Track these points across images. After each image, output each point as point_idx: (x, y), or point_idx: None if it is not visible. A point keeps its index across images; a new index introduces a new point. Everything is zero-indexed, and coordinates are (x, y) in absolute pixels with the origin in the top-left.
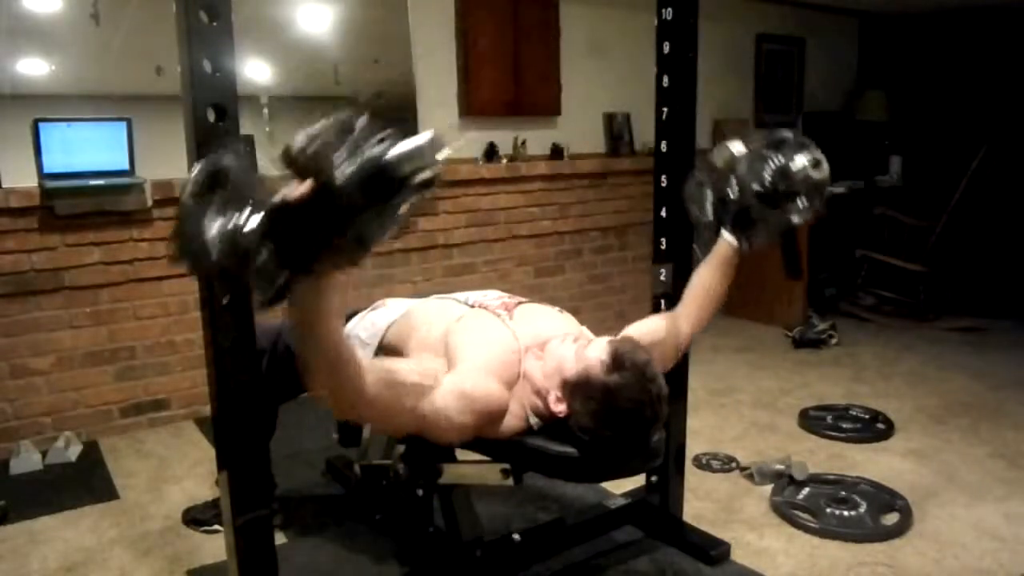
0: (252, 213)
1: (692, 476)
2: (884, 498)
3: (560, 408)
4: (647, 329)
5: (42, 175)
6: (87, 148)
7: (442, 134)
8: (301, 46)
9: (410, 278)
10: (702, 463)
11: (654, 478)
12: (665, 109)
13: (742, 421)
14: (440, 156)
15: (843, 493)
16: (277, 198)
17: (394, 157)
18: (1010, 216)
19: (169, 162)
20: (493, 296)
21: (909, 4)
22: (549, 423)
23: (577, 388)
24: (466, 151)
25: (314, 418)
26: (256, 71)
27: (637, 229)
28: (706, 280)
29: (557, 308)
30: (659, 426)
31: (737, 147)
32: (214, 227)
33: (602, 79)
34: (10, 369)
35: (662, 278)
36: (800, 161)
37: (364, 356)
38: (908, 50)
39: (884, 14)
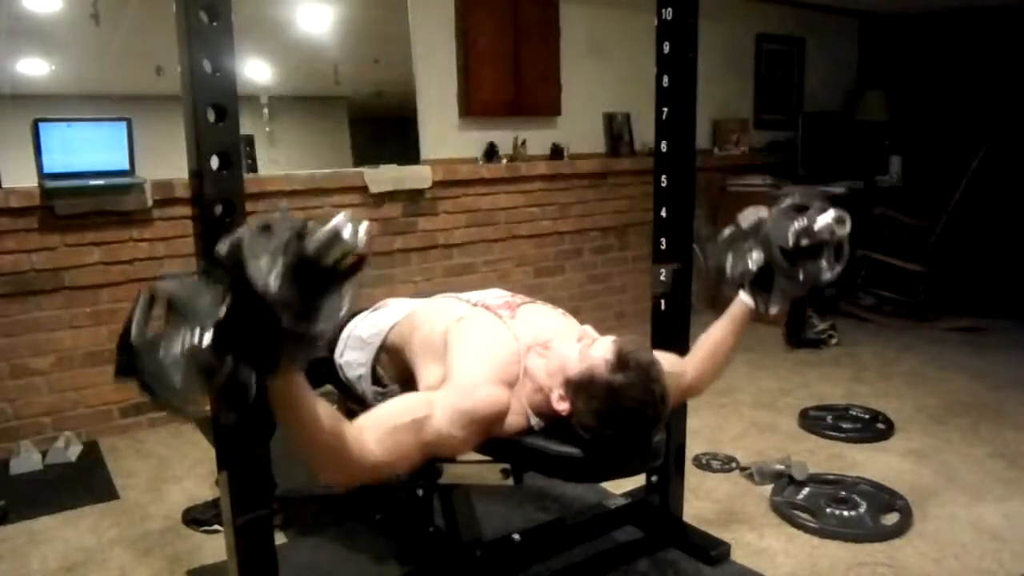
0: (203, 329)
1: (692, 476)
2: (884, 498)
3: (563, 407)
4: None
5: (42, 175)
6: (87, 148)
7: (357, 217)
8: (301, 46)
9: (410, 278)
10: (702, 463)
11: (654, 478)
12: (665, 109)
13: (742, 421)
14: (360, 235)
15: (843, 493)
16: (222, 310)
17: (313, 250)
18: (1010, 216)
19: (169, 162)
20: (496, 295)
21: (909, 4)
22: (550, 423)
23: (581, 387)
24: (466, 151)
25: None
26: (256, 71)
27: (637, 229)
28: (717, 337)
29: (560, 311)
30: (661, 426)
31: (763, 211)
32: (169, 357)
33: (602, 79)
34: (10, 369)
35: (662, 278)
36: (825, 218)
37: (364, 357)
38: (908, 50)
39: (884, 14)
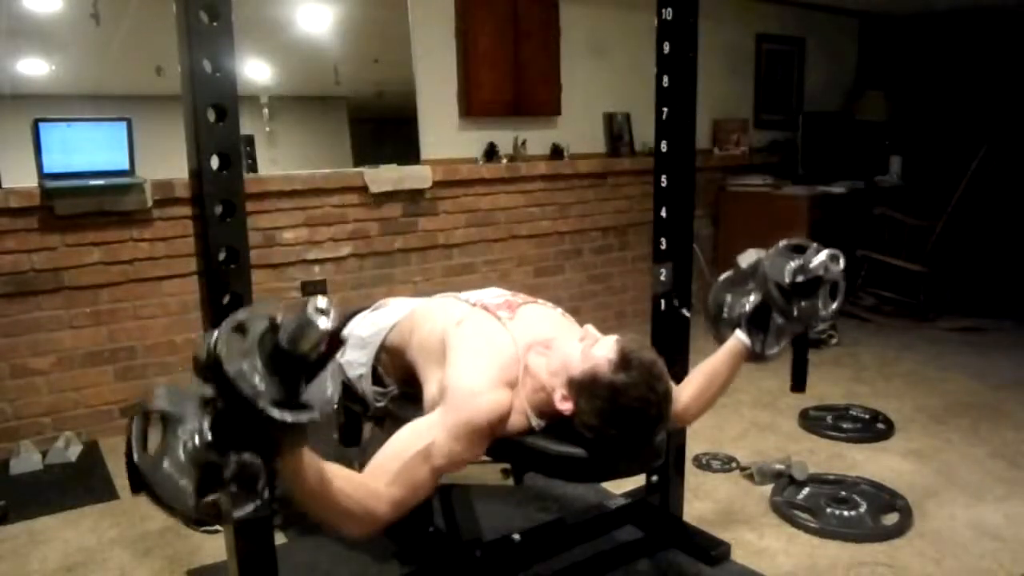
0: (200, 431)
1: (692, 476)
2: (884, 498)
3: (566, 407)
4: None
5: (42, 175)
6: (87, 148)
7: (323, 301)
8: (301, 46)
9: (410, 278)
10: (702, 463)
11: (654, 478)
12: (665, 109)
13: (742, 421)
14: (331, 320)
15: (843, 493)
16: (208, 417)
17: (287, 343)
18: (1010, 216)
19: (169, 162)
20: (495, 295)
21: (909, 4)
22: (551, 423)
23: (583, 386)
24: (466, 151)
25: None
26: (256, 71)
27: (637, 229)
28: (712, 371)
29: (559, 310)
30: (664, 426)
31: (761, 252)
32: (174, 465)
33: (602, 79)
34: (10, 369)
35: (662, 278)
36: (820, 256)
37: (364, 357)
38: (908, 50)
39: (884, 14)
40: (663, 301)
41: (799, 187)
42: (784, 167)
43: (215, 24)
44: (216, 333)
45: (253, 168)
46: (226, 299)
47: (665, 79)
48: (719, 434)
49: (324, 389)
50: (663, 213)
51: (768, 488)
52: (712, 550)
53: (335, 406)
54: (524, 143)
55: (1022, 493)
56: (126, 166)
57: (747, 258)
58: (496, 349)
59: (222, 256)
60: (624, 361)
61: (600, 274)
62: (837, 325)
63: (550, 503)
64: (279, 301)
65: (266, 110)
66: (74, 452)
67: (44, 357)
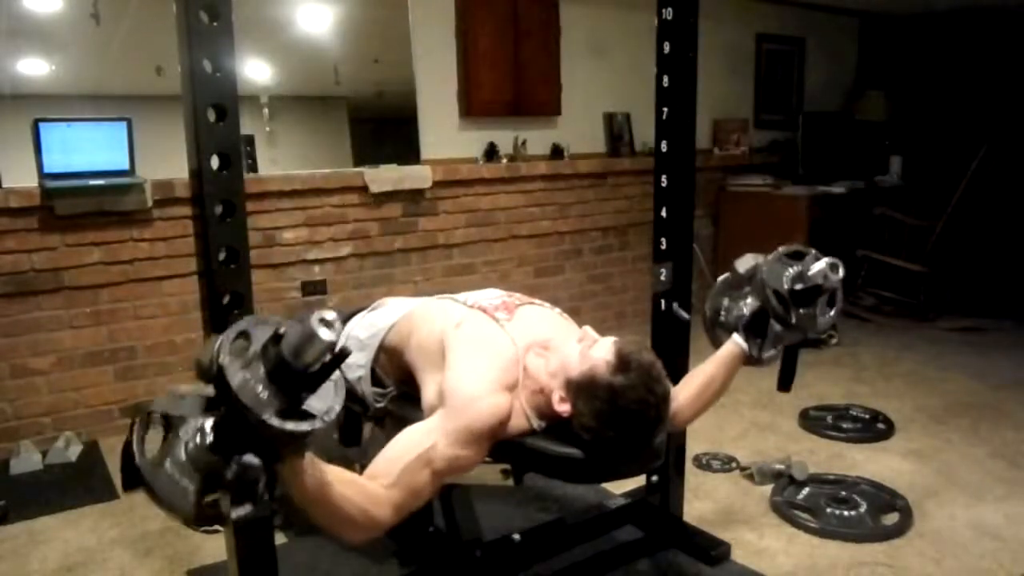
0: (202, 434)
1: (692, 476)
2: (884, 498)
3: (564, 408)
4: None
5: (42, 175)
6: (87, 148)
7: (329, 313)
8: (301, 46)
9: (410, 278)
10: (702, 463)
11: (654, 478)
12: (665, 109)
13: (742, 421)
14: (335, 332)
15: (843, 493)
16: (211, 418)
17: (290, 354)
18: (1010, 216)
19: (169, 162)
20: (493, 295)
21: (909, 4)
22: (552, 424)
23: (581, 388)
24: (466, 151)
25: None
26: (256, 71)
27: (637, 229)
28: (708, 375)
29: (558, 311)
30: (663, 427)
31: (759, 257)
32: (175, 467)
33: (602, 79)
34: (10, 369)
35: (662, 278)
36: (819, 264)
37: (364, 358)
38: (908, 50)
39: (884, 14)
40: (663, 301)
41: (799, 187)
42: (784, 167)
43: (215, 24)
44: (219, 340)
45: (253, 168)
46: (226, 299)
47: (665, 79)
48: (719, 434)
49: (326, 399)
50: (663, 213)
51: (768, 488)
52: (712, 550)
53: (337, 415)
54: (524, 143)
55: (1022, 493)
56: (126, 166)
57: (745, 263)
58: (495, 352)
59: (222, 256)
60: (622, 363)
61: (600, 274)
62: (837, 325)
63: (550, 503)
64: (283, 315)
65: (266, 110)
66: (74, 452)
67: (44, 357)
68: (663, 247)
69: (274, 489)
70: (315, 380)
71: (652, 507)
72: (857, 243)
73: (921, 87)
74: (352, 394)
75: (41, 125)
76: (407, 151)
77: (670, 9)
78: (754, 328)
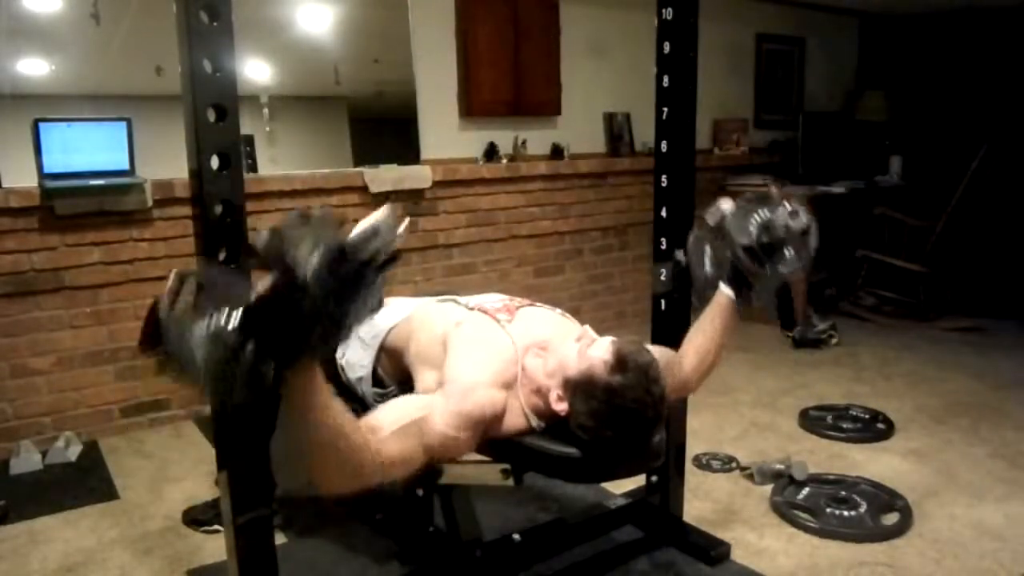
0: (231, 312)
1: (692, 476)
2: (884, 498)
3: (561, 407)
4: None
5: (42, 175)
6: (87, 148)
7: (396, 213)
8: (301, 46)
9: (410, 278)
10: (702, 463)
11: (654, 478)
12: (665, 109)
13: (742, 421)
14: (398, 232)
15: (843, 493)
16: (254, 294)
17: (353, 242)
18: (1010, 216)
19: (169, 162)
20: (494, 299)
21: (909, 4)
22: (551, 423)
23: (579, 387)
24: (466, 151)
25: None
26: (256, 71)
27: (637, 229)
28: (706, 331)
29: (559, 311)
30: (660, 427)
31: (726, 205)
32: (196, 332)
33: (602, 79)
34: (10, 369)
35: (662, 278)
36: (781, 213)
37: (365, 359)
38: (908, 50)
39: (884, 14)
40: (663, 301)
41: (799, 187)
42: (784, 167)
43: (215, 24)
44: (283, 220)
45: (253, 168)
46: None
47: (665, 79)
48: (719, 434)
49: (368, 301)
50: (663, 213)
51: (768, 488)
52: (712, 550)
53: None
54: (524, 143)
55: (1022, 493)
56: (126, 166)
57: (713, 215)
58: (494, 349)
59: (222, 256)
60: (620, 362)
61: (600, 274)
62: (837, 325)
63: (550, 503)
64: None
65: (266, 110)
66: (74, 452)
67: (44, 357)
68: (663, 247)
69: (279, 383)
70: (367, 275)
71: (652, 507)
72: (857, 243)
73: (921, 87)
74: (352, 394)
75: (41, 125)
76: (407, 151)
77: (670, 9)
78: (737, 278)
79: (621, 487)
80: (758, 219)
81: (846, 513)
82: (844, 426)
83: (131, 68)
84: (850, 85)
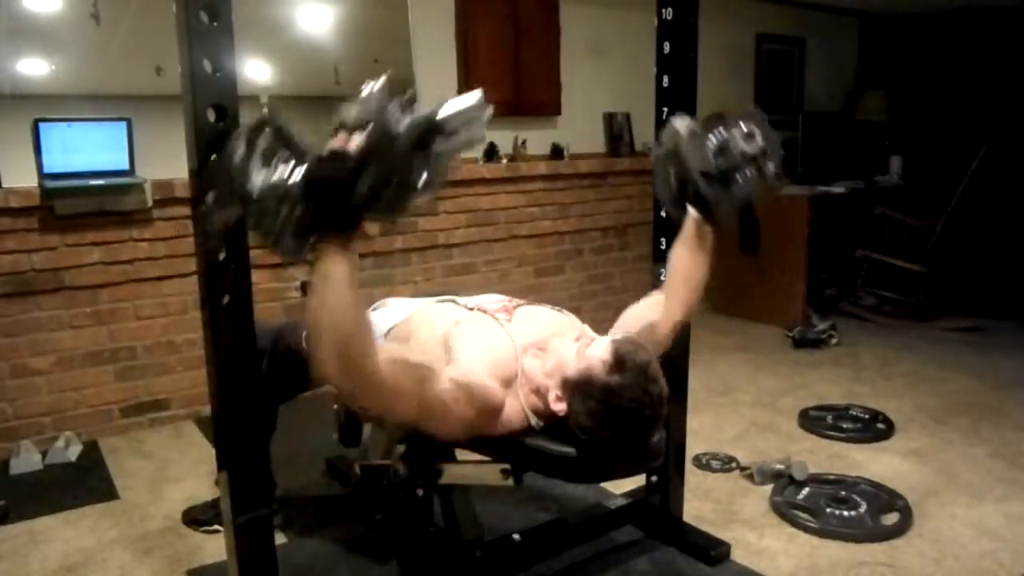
0: (297, 166)
1: (692, 476)
2: (884, 498)
3: (560, 407)
4: (647, 311)
5: (42, 175)
6: (87, 148)
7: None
8: (301, 46)
9: (410, 278)
10: (702, 463)
11: (654, 478)
12: (665, 109)
13: (742, 421)
14: (485, 116)
15: (843, 493)
16: (325, 150)
17: (445, 115)
18: (1010, 216)
19: (169, 162)
20: (493, 300)
21: (909, 4)
22: (550, 423)
23: (578, 387)
24: (466, 151)
25: (314, 418)
26: (256, 71)
27: (637, 229)
28: (683, 259)
29: (558, 308)
30: (659, 426)
31: (681, 124)
32: (261, 173)
33: (602, 79)
34: (10, 369)
35: (662, 278)
36: (735, 135)
37: None
38: (908, 50)
39: (884, 14)
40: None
41: (799, 187)
42: (784, 167)
43: (215, 24)
44: (377, 83)
45: None
46: (226, 299)
47: (665, 79)
48: (719, 434)
49: (436, 176)
50: (663, 213)
51: (768, 488)
52: (712, 550)
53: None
54: (524, 143)
55: (1022, 493)
56: (126, 166)
57: (668, 138)
58: (494, 346)
59: (222, 256)
60: (619, 362)
61: (600, 274)
62: (837, 325)
63: (550, 503)
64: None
65: (266, 110)
66: (74, 452)
67: (44, 357)
68: (663, 247)
69: (312, 234)
70: (447, 147)
71: (652, 507)
72: (857, 243)
73: (921, 87)
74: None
75: (41, 125)
76: None
77: (670, 9)
78: (699, 200)
79: (621, 487)
80: (713, 142)
81: (846, 513)
82: (844, 426)
83: (131, 68)
84: (850, 85)
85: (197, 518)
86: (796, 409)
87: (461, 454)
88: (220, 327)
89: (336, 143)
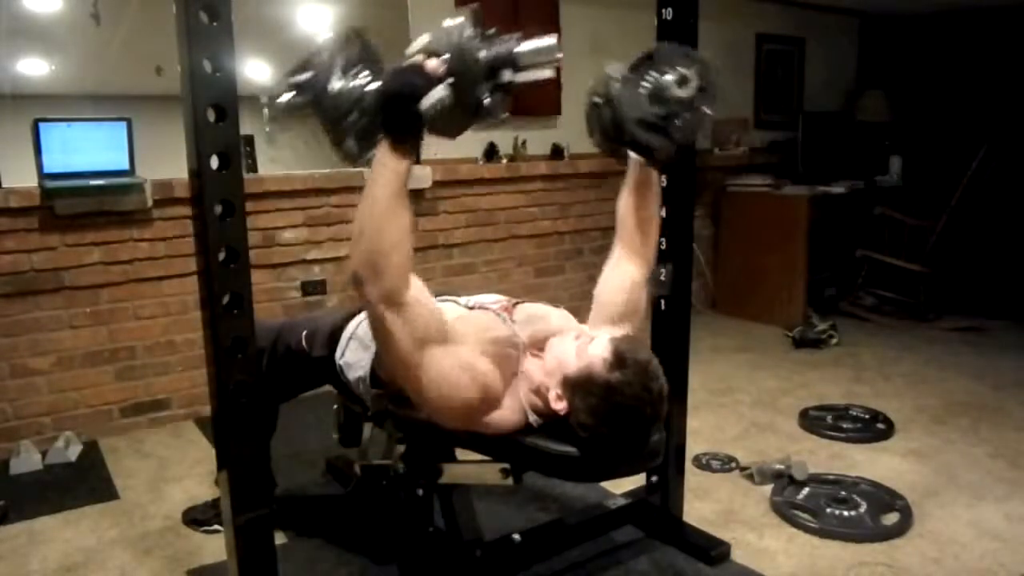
0: (373, 80)
1: (692, 476)
2: (884, 498)
3: (560, 406)
4: (619, 289)
5: (42, 175)
6: (87, 148)
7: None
8: (301, 46)
9: None
10: (702, 463)
11: (654, 478)
12: None
13: (742, 421)
14: (556, 58)
15: (843, 493)
16: (405, 63)
17: (521, 50)
18: (1010, 216)
19: (169, 162)
20: (492, 299)
21: (909, 4)
22: (550, 422)
23: (578, 385)
24: (466, 151)
25: (314, 418)
26: (256, 71)
27: None
28: (633, 206)
29: (559, 309)
30: (659, 425)
31: (614, 70)
32: (341, 78)
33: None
34: (10, 369)
35: (662, 278)
36: (669, 81)
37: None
38: (908, 50)
39: (884, 14)
40: (663, 301)
41: (799, 187)
42: (784, 167)
43: (215, 24)
44: (461, 17)
45: (253, 168)
46: (226, 299)
47: None
48: (719, 434)
49: (499, 101)
50: (663, 213)
51: (768, 488)
52: (712, 550)
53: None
54: (524, 143)
55: (1022, 493)
56: (126, 166)
57: (601, 81)
58: (497, 337)
59: (222, 256)
60: (619, 360)
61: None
62: (837, 325)
63: (550, 503)
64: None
65: (266, 110)
66: (74, 452)
67: (44, 357)
68: (663, 247)
69: (374, 136)
70: (517, 78)
71: (652, 507)
72: (857, 243)
73: (921, 87)
74: (352, 394)
75: (41, 125)
76: None
77: (670, 9)
78: (636, 145)
79: (621, 487)
80: (647, 88)
81: (846, 513)
82: (844, 426)
83: (131, 68)
84: (850, 85)
85: (197, 518)
86: (796, 409)
87: (461, 454)
88: (220, 327)
89: (415, 60)
